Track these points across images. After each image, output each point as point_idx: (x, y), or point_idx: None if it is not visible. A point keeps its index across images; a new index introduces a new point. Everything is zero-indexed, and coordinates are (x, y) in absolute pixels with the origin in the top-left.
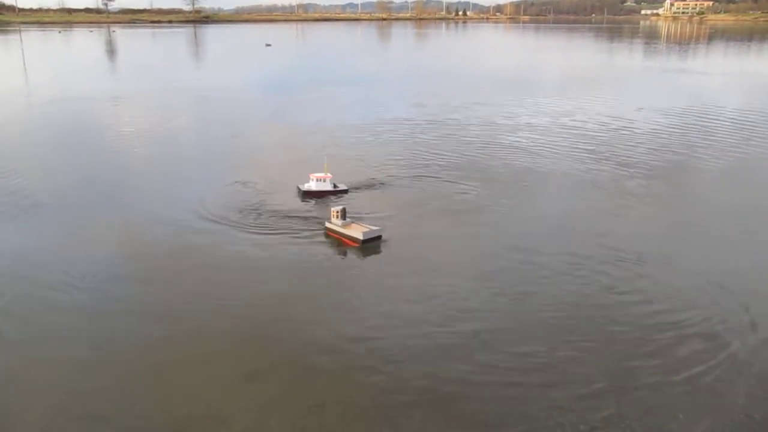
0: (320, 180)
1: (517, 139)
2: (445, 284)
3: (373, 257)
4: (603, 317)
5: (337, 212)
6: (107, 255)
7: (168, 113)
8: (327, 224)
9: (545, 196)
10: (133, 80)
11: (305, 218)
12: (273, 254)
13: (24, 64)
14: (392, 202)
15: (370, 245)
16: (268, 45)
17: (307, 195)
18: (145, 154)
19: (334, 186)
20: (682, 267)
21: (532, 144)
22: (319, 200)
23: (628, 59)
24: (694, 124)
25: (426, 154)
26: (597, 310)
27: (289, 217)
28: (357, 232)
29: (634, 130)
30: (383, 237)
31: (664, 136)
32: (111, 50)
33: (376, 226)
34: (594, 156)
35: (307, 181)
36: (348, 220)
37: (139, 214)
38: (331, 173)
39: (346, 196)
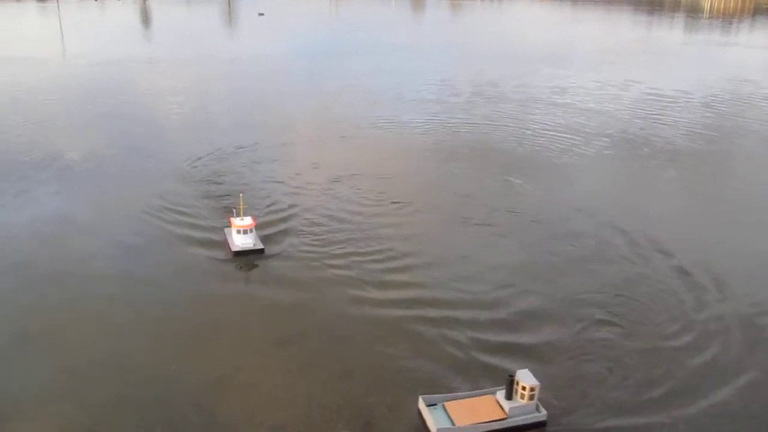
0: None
1: (549, 113)
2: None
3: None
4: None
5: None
6: (144, 219)
7: (198, 78)
8: None
9: (578, 174)
10: (166, 47)
11: None
12: None
13: (62, 32)
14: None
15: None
16: (261, 14)
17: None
18: (175, 115)
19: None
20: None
21: (565, 118)
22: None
23: (668, 33)
24: (736, 100)
25: (460, 125)
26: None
27: None
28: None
29: (675, 104)
30: None
31: (703, 110)
32: (145, 19)
33: None
34: (629, 132)
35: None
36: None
37: (171, 174)
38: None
39: None
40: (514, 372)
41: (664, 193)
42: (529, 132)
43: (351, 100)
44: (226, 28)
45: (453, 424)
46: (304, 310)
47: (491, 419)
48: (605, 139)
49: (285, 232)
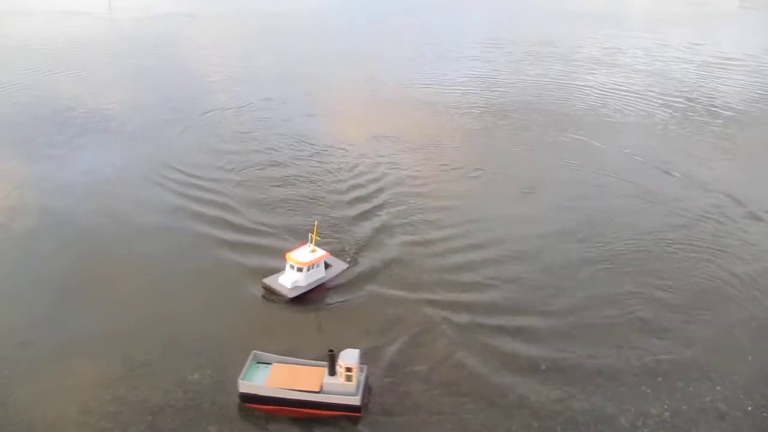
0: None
1: (597, 78)
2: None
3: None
4: None
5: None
6: (190, 175)
7: (238, 32)
8: None
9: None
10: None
11: None
12: None
13: None
14: None
15: None
16: None
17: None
18: (216, 69)
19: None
20: None
21: (613, 84)
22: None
23: None
24: None
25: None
26: None
27: None
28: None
29: (741, 67)
30: None
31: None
32: None
33: None
34: (679, 99)
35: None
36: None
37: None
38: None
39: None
40: (341, 349)
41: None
42: (591, 92)
43: (407, 59)
44: None
45: (263, 383)
46: None
47: (302, 389)
48: (670, 99)
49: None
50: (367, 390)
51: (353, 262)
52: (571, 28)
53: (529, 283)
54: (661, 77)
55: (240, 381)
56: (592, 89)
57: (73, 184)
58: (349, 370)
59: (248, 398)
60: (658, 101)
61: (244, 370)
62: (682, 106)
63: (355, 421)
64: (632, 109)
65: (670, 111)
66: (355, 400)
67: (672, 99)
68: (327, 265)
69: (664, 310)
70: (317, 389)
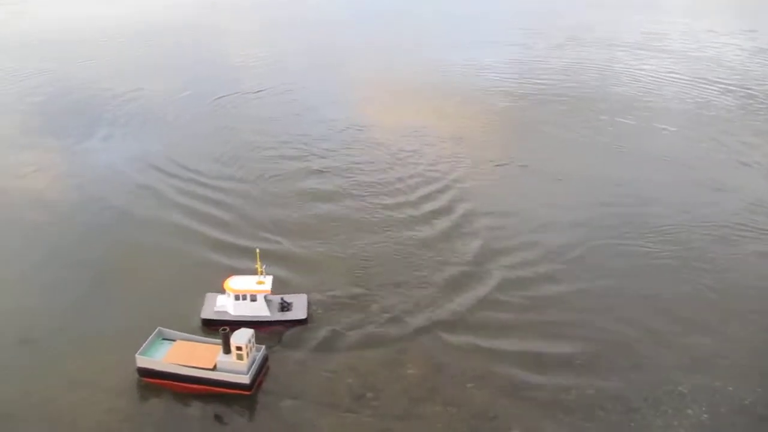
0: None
1: (647, 63)
2: None
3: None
4: None
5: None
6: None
7: (277, 20)
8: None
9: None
10: None
11: None
12: None
13: None
14: None
15: None
16: None
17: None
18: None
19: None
20: None
21: (673, 65)
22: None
23: None
24: None
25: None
26: None
27: None
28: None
29: None
30: None
31: None
32: None
33: None
34: (736, 86)
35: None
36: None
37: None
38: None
39: None
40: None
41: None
42: (645, 78)
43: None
44: None
45: (160, 359)
46: None
47: (196, 365)
48: (729, 86)
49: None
50: (262, 371)
51: None
52: (611, 13)
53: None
54: (715, 63)
55: (137, 356)
56: (646, 74)
57: (109, 172)
58: (239, 348)
59: (145, 372)
60: (716, 89)
61: (144, 345)
62: (741, 93)
63: (245, 399)
64: (689, 95)
65: (730, 97)
66: (245, 379)
67: (730, 86)
68: (284, 305)
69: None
70: (211, 367)
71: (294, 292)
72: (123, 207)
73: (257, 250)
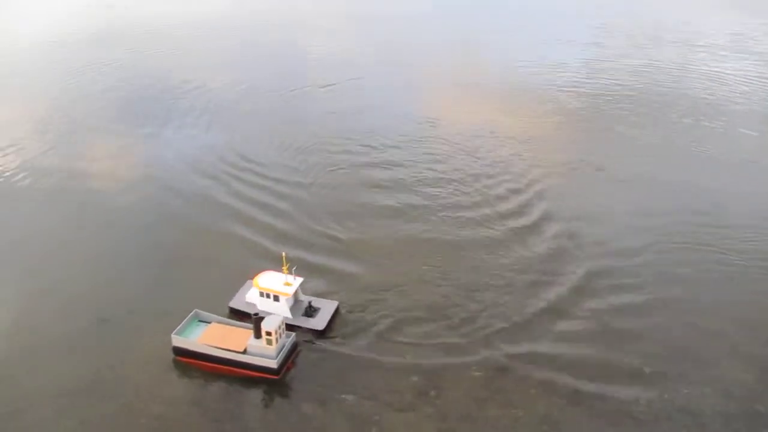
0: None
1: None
2: None
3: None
4: None
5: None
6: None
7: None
8: None
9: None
10: None
11: None
12: None
13: None
14: None
15: None
16: None
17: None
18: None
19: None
20: None
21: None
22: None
23: None
24: None
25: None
26: None
27: None
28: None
29: None
30: None
31: None
32: None
33: None
34: None
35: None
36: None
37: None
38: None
39: None
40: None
41: None
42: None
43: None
44: None
45: (194, 340)
46: None
47: (227, 348)
48: None
49: None
50: (291, 356)
51: None
52: (696, 12)
53: None
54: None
55: (173, 336)
56: (729, 76)
57: (181, 160)
58: (269, 334)
59: (179, 352)
60: None
61: (180, 326)
62: None
63: (272, 383)
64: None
65: None
66: (273, 363)
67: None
68: (310, 310)
69: None
70: (241, 350)
71: (333, 293)
72: (193, 194)
73: (283, 254)
